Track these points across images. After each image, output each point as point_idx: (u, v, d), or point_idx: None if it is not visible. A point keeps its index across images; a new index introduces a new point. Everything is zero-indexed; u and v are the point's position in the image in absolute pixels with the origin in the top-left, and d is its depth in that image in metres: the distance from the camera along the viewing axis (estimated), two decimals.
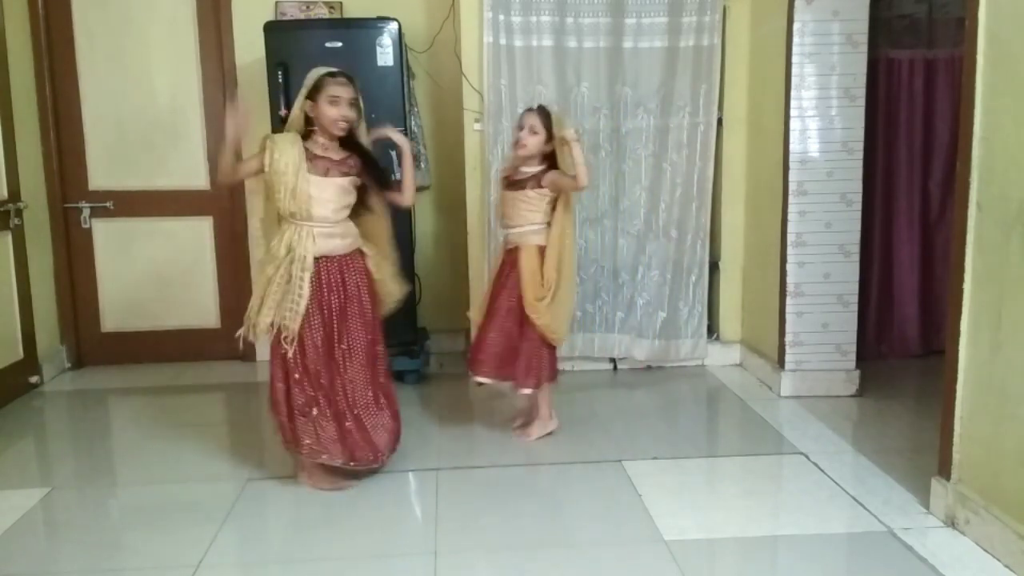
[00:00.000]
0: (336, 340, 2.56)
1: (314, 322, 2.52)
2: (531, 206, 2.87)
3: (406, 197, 2.70)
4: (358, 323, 2.59)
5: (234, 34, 4.15)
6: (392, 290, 2.75)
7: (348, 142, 2.57)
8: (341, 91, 2.47)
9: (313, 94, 2.48)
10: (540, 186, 2.85)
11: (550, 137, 2.82)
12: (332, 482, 2.64)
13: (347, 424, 2.56)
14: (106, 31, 4.13)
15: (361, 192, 2.62)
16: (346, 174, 2.54)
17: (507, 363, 2.91)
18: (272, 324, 2.50)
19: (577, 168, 2.74)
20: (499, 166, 3.78)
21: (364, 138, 2.62)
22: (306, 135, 2.52)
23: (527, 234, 2.90)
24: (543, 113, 2.85)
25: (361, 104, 2.56)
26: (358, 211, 2.65)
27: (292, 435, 2.55)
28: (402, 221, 3.74)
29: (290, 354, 2.49)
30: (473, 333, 3.10)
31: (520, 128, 2.85)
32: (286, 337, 2.49)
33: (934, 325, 4.13)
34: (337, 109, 2.46)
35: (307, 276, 2.48)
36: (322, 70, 2.50)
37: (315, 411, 2.52)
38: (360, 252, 2.63)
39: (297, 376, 2.51)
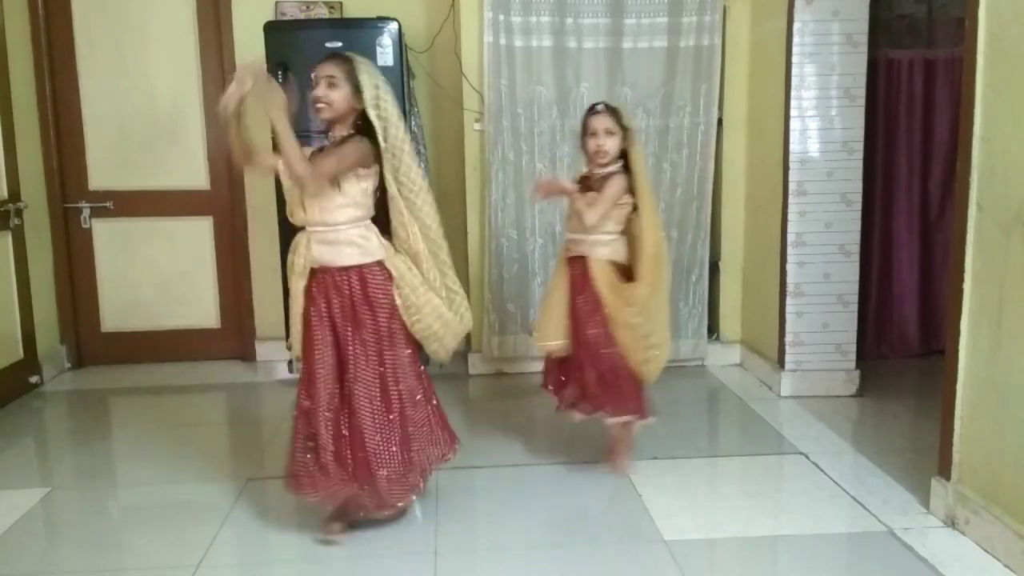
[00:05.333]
0: (343, 370, 2.22)
1: (324, 342, 2.20)
2: (616, 211, 2.60)
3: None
4: (364, 355, 2.21)
5: (234, 34, 4.15)
6: (436, 330, 2.32)
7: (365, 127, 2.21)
8: (317, 71, 2.18)
9: None
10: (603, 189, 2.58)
11: (625, 133, 2.61)
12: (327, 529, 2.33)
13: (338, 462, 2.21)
14: (106, 31, 4.13)
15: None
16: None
17: (600, 393, 2.64)
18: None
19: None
20: (509, 177, 3.78)
21: (387, 113, 2.21)
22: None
23: (596, 245, 2.60)
24: (612, 111, 2.61)
25: (360, 77, 2.18)
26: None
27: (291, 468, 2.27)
28: None
29: (297, 375, 2.27)
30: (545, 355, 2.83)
31: (592, 134, 2.59)
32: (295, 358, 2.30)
33: (934, 325, 4.13)
34: (316, 90, 2.17)
35: (300, 286, 2.22)
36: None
37: (311, 449, 2.22)
38: (382, 268, 2.24)
39: (305, 404, 2.23)
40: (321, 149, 2.25)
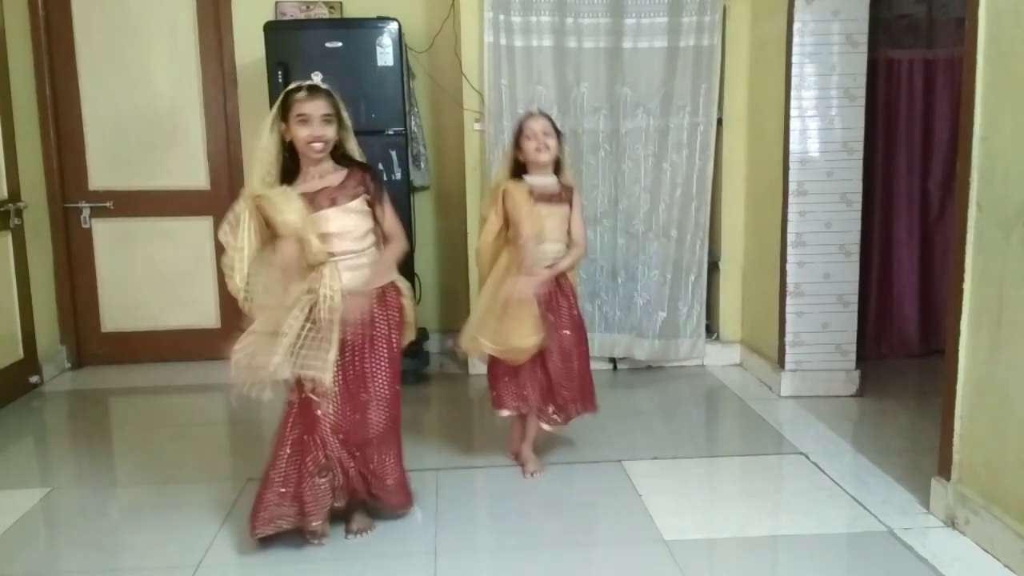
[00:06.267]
0: (356, 389, 2.22)
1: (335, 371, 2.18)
2: (564, 222, 2.71)
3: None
4: (382, 368, 2.24)
5: (234, 34, 4.16)
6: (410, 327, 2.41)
7: (342, 158, 2.24)
8: (309, 107, 2.11)
9: (285, 115, 2.14)
10: (571, 203, 2.71)
11: (559, 139, 2.69)
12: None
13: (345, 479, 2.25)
14: (106, 31, 4.13)
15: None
16: (355, 196, 2.21)
17: (581, 396, 2.77)
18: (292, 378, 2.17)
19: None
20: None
21: (356, 151, 2.28)
22: (296, 167, 2.19)
23: (561, 258, 2.71)
24: (547, 117, 2.71)
25: (344, 115, 2.22)
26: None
27: (299, 508, 2.22)
28: (402, 220, 3.75)
29: (329, 409, 2.18)
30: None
31: (532, 136, 2.63)
32: (319, 391, 2.16)
33: (934, 325, 4.13)
34: (308, 129, 2.12)
35: (337, 318, 2.13)
36: (292, 86, 2.17)
37: (326, 476, 2.21)
38: (393, 284, 2.30)
39: (317, 438, 2.19)
40: (310, 186, 2.20)
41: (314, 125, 2.12)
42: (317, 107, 2.13)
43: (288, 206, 2.10)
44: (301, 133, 2.12)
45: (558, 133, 2.69)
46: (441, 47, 4.09)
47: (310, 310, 2.14)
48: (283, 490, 2.20)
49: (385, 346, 2.26)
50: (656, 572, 2.14)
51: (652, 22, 3.79)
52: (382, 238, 2.32)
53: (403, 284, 2.35)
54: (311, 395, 2.17)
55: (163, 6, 4.13)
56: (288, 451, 2.21)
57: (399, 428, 2.35)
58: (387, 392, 2.26)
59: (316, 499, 2.21)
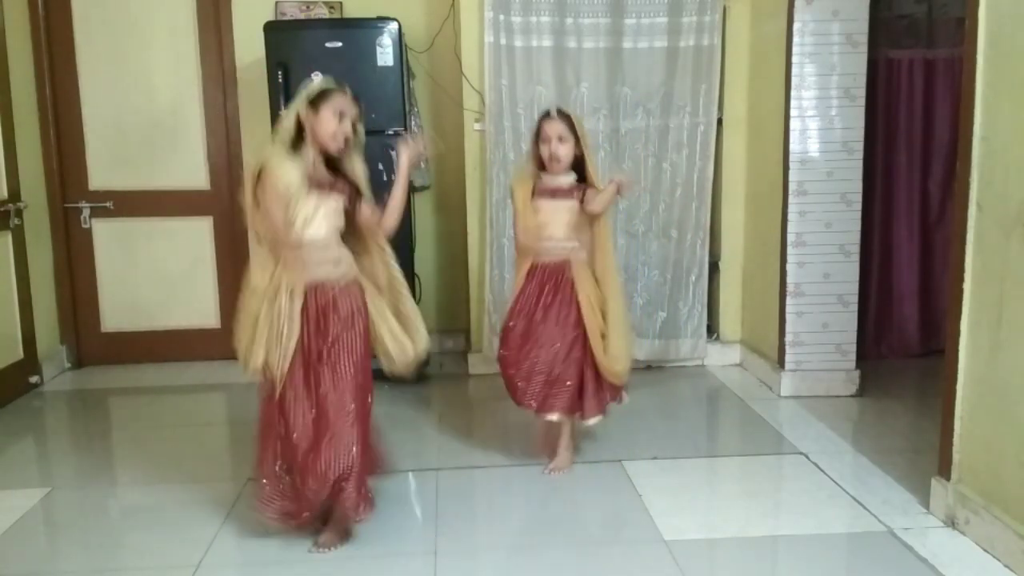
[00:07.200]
0: (314, 385, 2.22)
1: (295, 362, 2.21)
2: (577, 218, 2.64)
3: (387, 219, 2.34)
4: (344, 366, 2.22)
5: (234, 34, 4.16)
6: (399, 347, 2.35)
7: (334, 165, 2.29)
8: (348, 107, 2.23)
9: (316, 103, 2.21)
10: (583, 199, 2.63)
11: (577, 140, 2.63)
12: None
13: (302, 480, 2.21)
14: (106, 31, 4.13)
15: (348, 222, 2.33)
16: (337, 192, 2.26)
17: (576, 396, 2.69)
18: (265, 363, 2.23)
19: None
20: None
21: (358, 167, 2.31)
22: (294, 145, 2.24)
23: (578, 249, 2.67)
24: (565, 117, 2.62)
25: (360, 131, 2.30)
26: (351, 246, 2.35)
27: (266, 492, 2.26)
28: (402, 221, 3.74)
29: (277, 396, 2.22)
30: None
31: (545, 140, 2.61)
32: (273, 378, 2.22)
33: (934, 325, 4.13)
34: (340, 124, 2.21)
35: (297, 307, 2.19)
36: (329, 81, 2.29)
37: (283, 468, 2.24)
38: (357, 285, 2.30)
39: (280, 431, 2.23)
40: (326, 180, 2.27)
41: (344, 122, 2.22)
42: (352, 107, 2.25)
43: (288, 171, 2.17)
44: (331, 125, 2.20)
45: (576, 133, 2.62)
46: (441, 47, 4.09)
47: (275, 299, 2.21)
48: None
49: (346, 346, 2.22)
50: (656, 572, 2.14)
51: (652, 22, 3.79)
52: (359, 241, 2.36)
53: (368, 287, 2.31)
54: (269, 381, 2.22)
55: (163, 6, 4.14)
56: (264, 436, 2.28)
57: (361, 428, 2.23)
58: (347, 392, 2.20)
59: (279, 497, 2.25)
